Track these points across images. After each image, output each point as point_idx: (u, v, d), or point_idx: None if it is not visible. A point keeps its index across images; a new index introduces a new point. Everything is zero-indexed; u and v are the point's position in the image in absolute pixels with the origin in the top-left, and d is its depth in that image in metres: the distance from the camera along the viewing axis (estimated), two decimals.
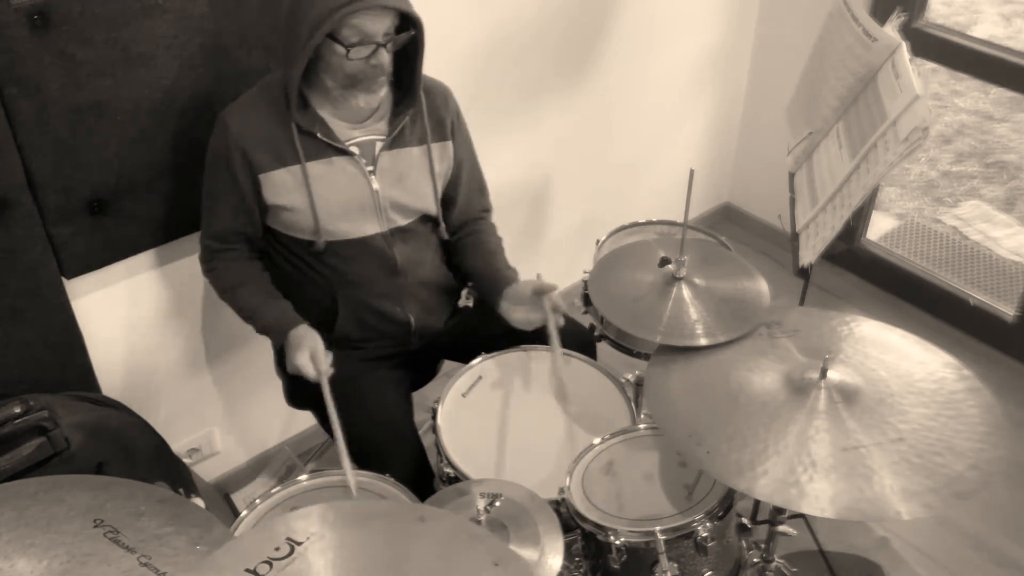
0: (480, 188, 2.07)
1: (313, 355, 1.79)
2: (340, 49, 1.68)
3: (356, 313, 1.93)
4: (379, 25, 1.68)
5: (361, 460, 1.92)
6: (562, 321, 1.87)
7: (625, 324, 1.79)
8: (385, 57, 1.72)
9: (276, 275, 1.95)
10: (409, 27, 1.74)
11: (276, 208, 1.82)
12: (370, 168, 1.84)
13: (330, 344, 1.86)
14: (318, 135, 1.78)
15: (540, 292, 1.85)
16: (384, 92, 1.81)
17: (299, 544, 1.12)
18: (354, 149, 1.82)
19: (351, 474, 1.65)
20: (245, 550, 1.12)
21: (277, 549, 1.11)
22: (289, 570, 1.08)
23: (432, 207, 1.94)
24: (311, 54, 1.68)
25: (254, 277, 1.92)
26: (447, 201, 2.00)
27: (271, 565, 1.09)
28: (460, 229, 2.05)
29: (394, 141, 1.85)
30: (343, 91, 1.76)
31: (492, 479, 1.64)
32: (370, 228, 1.87)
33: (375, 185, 1.85)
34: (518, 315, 1.89)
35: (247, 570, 1.08)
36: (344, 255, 1.88)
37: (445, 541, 1.15)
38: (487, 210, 2.09)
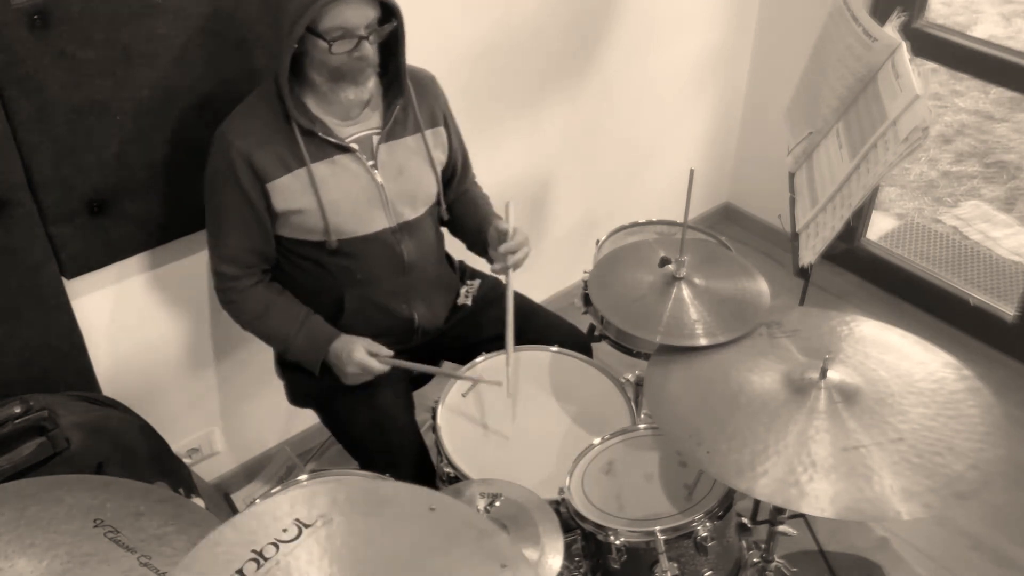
0: (469, 165, 2.11)
1: (370, 351, 1.83)
2: (322, 43, 1.68)
3: (362, 310, 1.93)
4: (360, 17, 1.68)
5: (363, 459, 1.92)
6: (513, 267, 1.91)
7: (625, 324, 1.79)
8: (368, 49, 1.72)
9: (280, 279, 1.94)
10: (391, 18, 1.74)
11: (286, 214, 1.82)
12: (371, 163, 1.84)
13: None
14: (319, 133, 1.78)
15: (499, 238, 1.91)
16: (372, 83, 1.81)
17: (308, 527, 1.10)
18: (354, 145, 1.83)
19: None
20: (252, 529, 1.10)
21: (285, 531, 1.10)
22: (295, 554, 1.07)
23: (435, 194, 1.96)
24: (295, 46, 1.69)
25: (274, 301, 1.89)
26: (446, 183, 2.03)
27: (277, 547, 1.08)
28: (453, 201, 2.08)
29: (389, 133, 1.86)
30: (331, 85, 1.76)
31: (492, 479, 1.64)
32: (378, 223, 1.88)
33: (379, 179, 1.85)
34: (494, 260, 1.94)
35: (253, 551, 1.07)
36: (353, 253, 1.88)
37: (453, 535, 1.14)
38: (474, 181, 2.14)
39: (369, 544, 1.10)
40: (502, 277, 1.94)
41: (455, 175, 2.05)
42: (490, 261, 1.97)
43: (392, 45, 1.79)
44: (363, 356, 1.82)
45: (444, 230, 2.09)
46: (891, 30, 1.90)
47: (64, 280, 1.90)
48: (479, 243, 2.03)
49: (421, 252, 1.95)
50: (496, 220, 1.96)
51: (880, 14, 2.43)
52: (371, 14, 1.70)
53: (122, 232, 1.93)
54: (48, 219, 1.81)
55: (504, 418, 1.84)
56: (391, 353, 1.86)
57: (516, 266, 1.92)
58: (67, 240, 1.86)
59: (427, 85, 1.94)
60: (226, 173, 1.78)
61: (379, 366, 1.83)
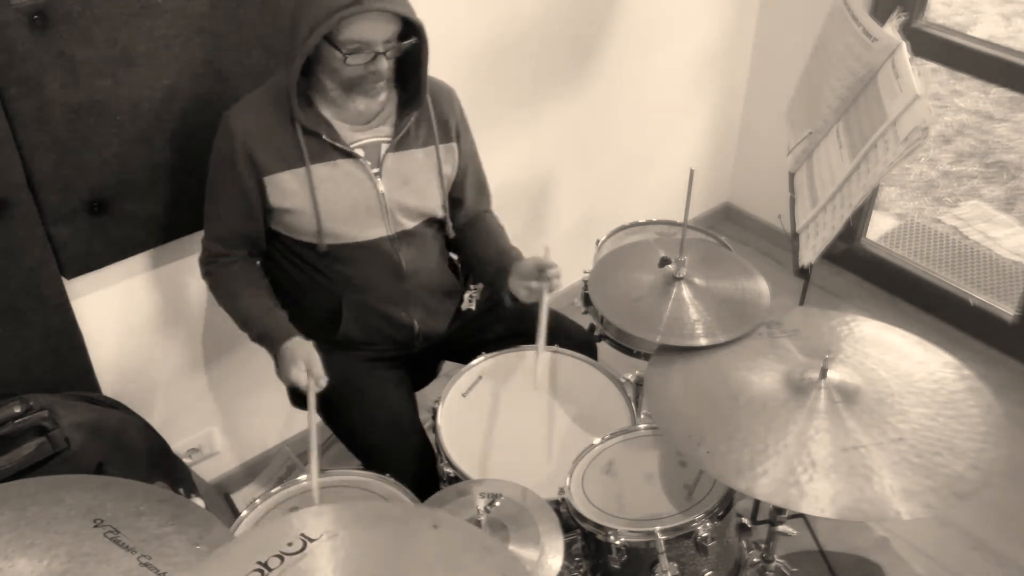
0: (483, 188, 2.07)
1: (309, 367, 1.76)
2: (337, 54, 1.67)
3: (360, 317, 1.93)
4: (379, 32, 1.67)
5: (367, 460, 1.92)
6: (551, 289, 1.86)
7: (625, 324, 1.79)
8: (384, 64, 1.71)
9: (280, 278, 1.94)
10: (412, 33, 1.73)
11: (279, 211, 1.82)
12: (376, 170, 1.84)
13: (333, 346, 1.86)
14: (323, 136, 1.78)
15: (541, 268, 1.85)
16: (384, 96, 1.80)
17: (312, 541, 1.12)
18: (359, 152, 1.82)
19: (315, 480, 1.62)
20: (259, 542, 1.12)
21: (290, 544, 1.11)
22: (299, 567, 1.09)
23: (439, 210, 1.94)
24: (308, 54, 1.68)
25: (252, 283, 1.90)
26: (454, 202, 2.00)
27: (282, 559, 1.09)
28: (464, 226, 2.06)
29: (400, 143, 1.85)
30: (342, 94, 1.76)
31: (492, 479, 1.64)
32: (376, 232, 1.87)
33: (381, 188, 1.84)
34: (522, 289, 1.88)
35: (259, 562, 1.09)
36: (349, 259, 1.88)
37: (456, 551, 1.15)
38: (488, 210, 2.10)
39: (372, 559, 1.12)
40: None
41: (465, 195, 2.00)
42: (505, 295, 1.93)
43: (414, 60, 1.78)
44: (298, 375, 1.75)
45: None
46: (891, 30, 1.90)
47: (64, 280, 1.90)
48: (489, 273, 1.98)
49: (421, 260, 1.95)
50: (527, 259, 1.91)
51: (880, 14, 2.44)
52: (391, 29, 1.69)
53: (122, 232, 1.94)
54: (48, 219, 1.81)
55: (504, 419, 1.84)
56: (324, 380, 1.76)
57: (551, 287, 1.87)
58: (67, 240, 1.86)
59: (445, 99, 1.92)
60: (226, 159, 1.79)
61: (304, 386, 1.75)
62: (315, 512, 1.17)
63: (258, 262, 1.94)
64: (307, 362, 1.77)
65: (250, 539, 1.14)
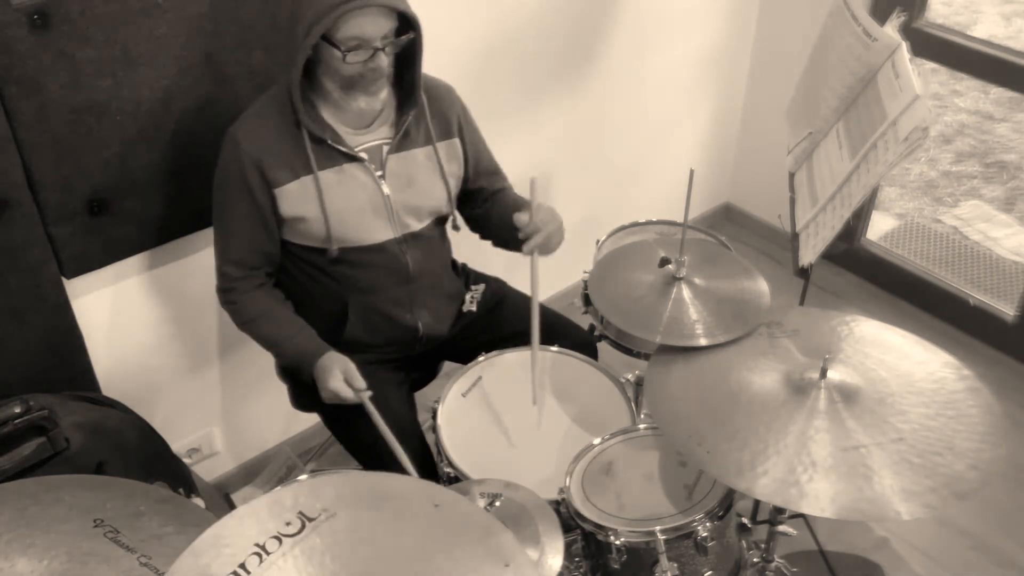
0: (495, 172, 2.06)
1: (347, 377, 1.79)
2: (337, 52, 1.67)
3: (366, 319, 1.93)
4: (377, 28, 1.67)
5: (366, 462, 1.92)
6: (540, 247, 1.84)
7: (625, 324, 1.79)
8: (383, 60, 1.71)
9: (285, 283, 1.94)
10: (409, 28, 1.74)
11: (291, 220, 1.81)
12: (379, 173, 1.84)
13: (336, 349, 1.86)
14: (329, 141, 1.78)
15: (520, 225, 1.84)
16: (385, 94, 1.79)
17: (311, 520, 1.10)
18: (363, 155, 1.82)
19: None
20: (256, 521, 1.10)
21: (288, 524, 1.10)
22: (298, 549, 1.07)
23: (444, 207, 1.94)
24: (308, 54, 1.68)
25: (274, 306, 1.89)
26: (468, 195, 2.01)
27: (280, 541, 1.08)
28: (483, 203, 2.05)
29: (400, 144, 1.85)
30: (343, 93, 1.75)
31: (492, 479, 1.64)
32: (383, 234, 1.87)
33: (386, 190, 1.84)
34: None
35: (256, 544, 1.07)
36: (357, 262, 1.87)
37: (457, 532, 1.13)
38: (505, 187, 2.09)
39: (372, 540, 1.10)
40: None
41: (480, 181, 2.01)
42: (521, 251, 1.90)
43: (409, 56, 1.78)
44: (338, 384, 1.79)
45: (455, 235, 2.08)
46: (891, 30, 1.90)
47: (64, 280, 1.90)
48: (506, 236, 1.95)
49: (427, 262, 1.95)
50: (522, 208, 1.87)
51: (880, 14, 2.43)
52: (388, 25, 1.69)
53: (122, 232, 1.94)
54: (48, 219, 1.81)
55: (504, 418, 1.84)
56: (365, 388, 1.80)
57: (542, 251, 1.86)
58: (67, 240, 1.86)
59: (443, 96, 1.92)
60: (236, 176, 1.77)
61: (351, 398, 1.80)
62: (315, 486, 1.15)
63: (276, 284, 1.93)
64: (344, 372, 1.79)
65: (247, 520, 1.11)
